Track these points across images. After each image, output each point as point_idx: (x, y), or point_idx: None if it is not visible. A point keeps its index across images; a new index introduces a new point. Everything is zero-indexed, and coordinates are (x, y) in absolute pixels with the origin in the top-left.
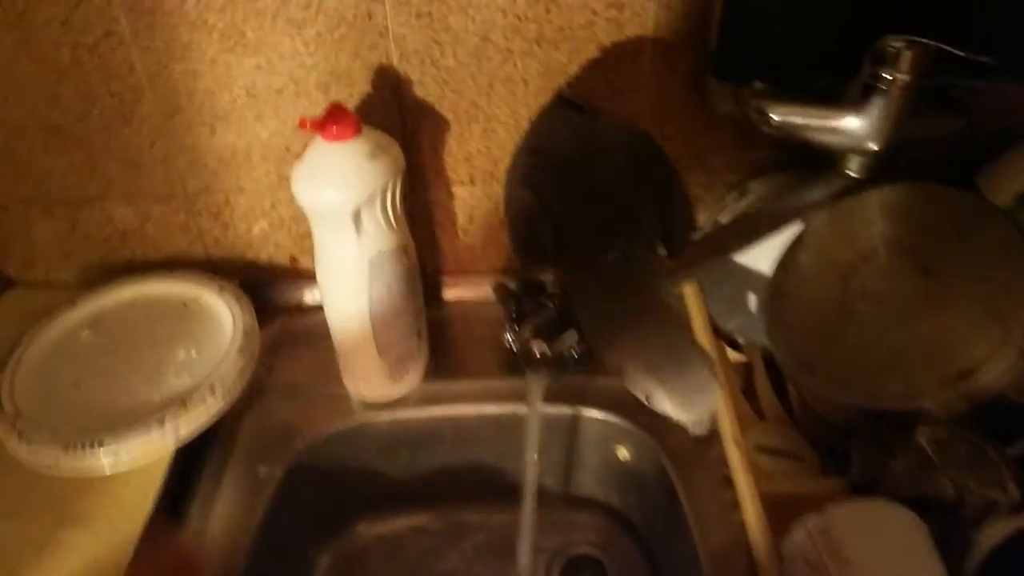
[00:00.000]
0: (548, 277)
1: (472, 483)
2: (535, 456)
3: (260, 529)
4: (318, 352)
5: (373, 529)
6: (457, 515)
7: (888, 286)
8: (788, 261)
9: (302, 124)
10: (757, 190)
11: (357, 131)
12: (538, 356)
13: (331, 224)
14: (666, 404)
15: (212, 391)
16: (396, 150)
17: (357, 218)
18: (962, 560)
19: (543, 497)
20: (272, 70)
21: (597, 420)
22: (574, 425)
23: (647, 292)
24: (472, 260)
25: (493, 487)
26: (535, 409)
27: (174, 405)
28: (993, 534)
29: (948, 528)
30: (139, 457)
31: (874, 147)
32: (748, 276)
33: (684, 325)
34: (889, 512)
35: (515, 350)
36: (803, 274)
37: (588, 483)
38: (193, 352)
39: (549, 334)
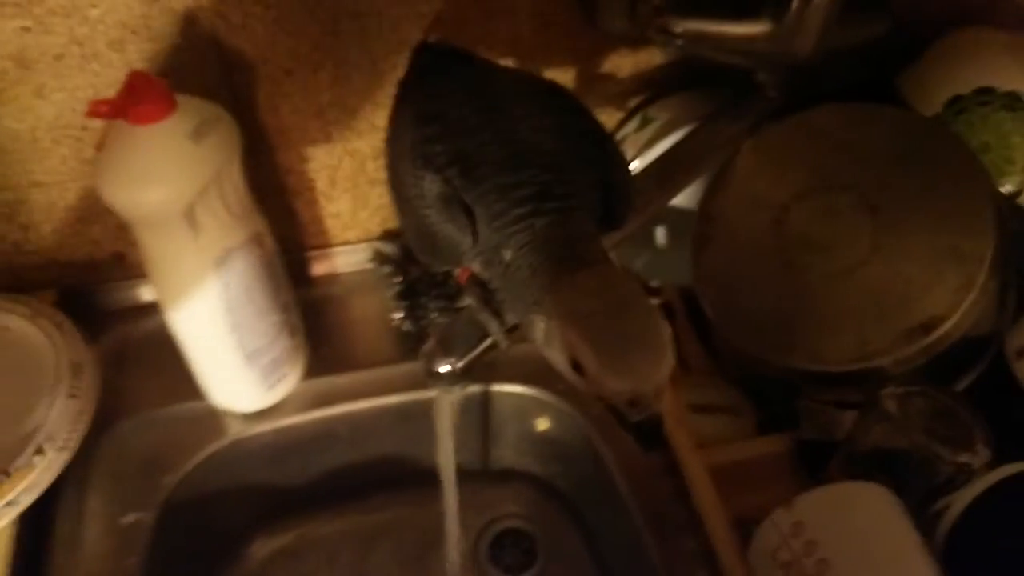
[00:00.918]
0: None
1: (377, 478)
2: (452, 474)
3: None
4: (171, 361)
5: (270, 546)
6: (365, 514)
7: (829, 229)
8: (711, 204)
9: (94, 111)
10: (660, 116)
11: (172, 106)
12: (446, 374)
13: (158, 227)
14: (594, 365)
15: (41, 450)
16: (227, 122)
17: (191, 215)
18: (933, 526)
19: (459, 475)
20: (45, 30)
21: (512, 394)
22: (486, 401)
23: (585, 255)
24: (341, 228)
25: (400, 478)
26: (446, 427)
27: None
28: (963, 497)
29: (916, 491)
30: None
31: (800, 56)
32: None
33: (628, 276)
34: (860, 493)
35: (405, 328)
36: (730, 219)
37: (507, 456)
38: (14, 401)
39: (457, 346)
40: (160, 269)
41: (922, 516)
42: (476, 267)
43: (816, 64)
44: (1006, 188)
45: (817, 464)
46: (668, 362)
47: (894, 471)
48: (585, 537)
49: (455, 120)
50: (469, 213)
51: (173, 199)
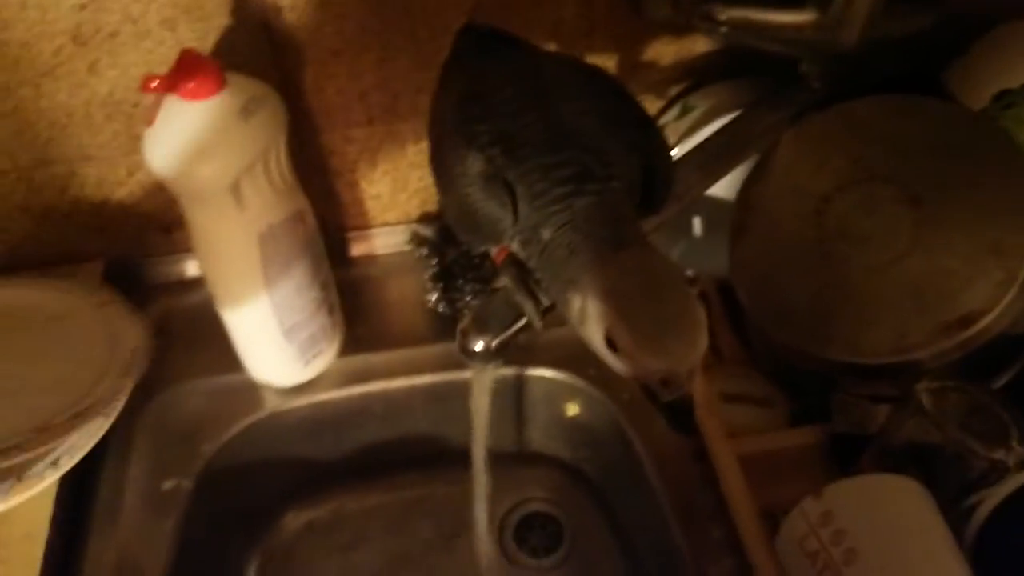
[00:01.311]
0: None
1: (409, 456)
2: (483, 455)
3: (174, 548)
4: (213, 335)
5: (303, 519)
6: (396, 491)
7: (870, 221)
8: (750, 194)
9: (146, 86)
10: (701, 104)
11: (221, 83)
12: (480, 351)
13: (205, 202)
14: (629, 343)
15: (84, 415)
16: (275, 100)
17: (237, 191)
18: (964, 522)
19: (489, 457)
20: (100, 8)
21: (543, 378)
22: (518, 384)
23: (624, 235)
24: (380, 210)
25: (432, 457)
26: (480, 406)
27: (47, 434)
28: (996, 494)
29: (948, 487)
30: (17, 497)
31: (845, 46)
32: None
33: (666, 258)
34: (891, 485)
35: (441, 310)
36: (769, 209)
37: (536, 439)
38: (63, 369)
39: (492, 324)
40: (205, 242)
41: (953, 512)
42: (515, 246)
43: (861, 55)
44: None
45: (849, 458)
46: (702, 343)
47: (927, 466)
48: (611, 522)
49: (498, 101)
50: (511, 192)
51: (220, 174)
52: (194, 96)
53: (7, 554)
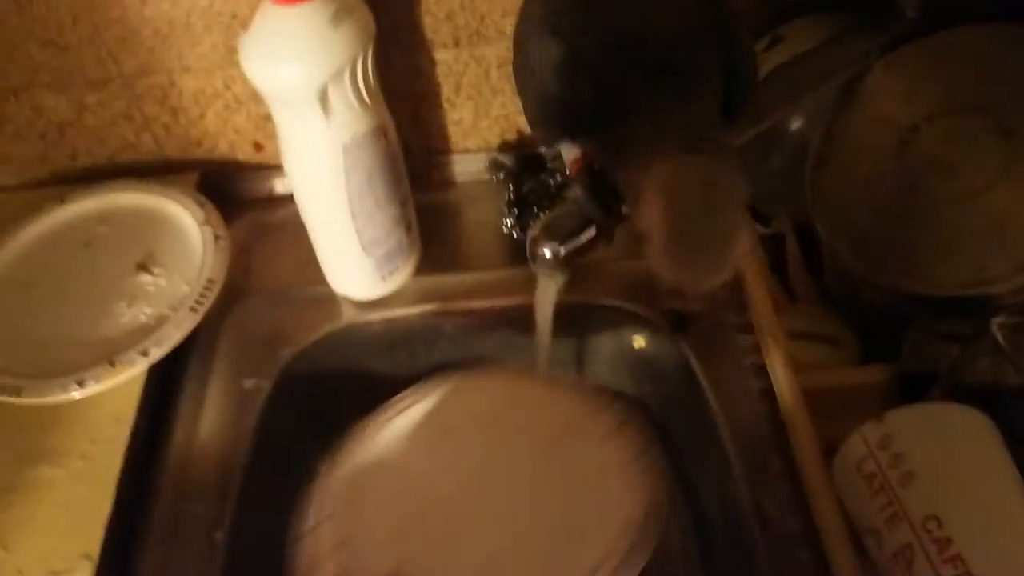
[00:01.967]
0: (549, 151)
1: None
2: (545, 365)
3: (252, 445)
4: (297, 249)
5: None
6: None
7: (959, 153)
8: (835, 124)
9: None
10: (792, 35)
11: None
12: (549, 258)
13: (293, 107)
14: (658, 247)
15: (175, 308)
16: (364, 11)
17: (324, 98)
18: None
19: None
20: None
21: (611, 307)
22: (585, 314)
23: (698, 140)
24: (461, 136)
25: None
26: (546, 315)
27: (140, 325)
28: None
29: (1019, 426)
30: (109, 381)
31: None
32: (769, 133)
33: (733, 177)
34: (956, 415)
35: (515, 236)
36: (854, 139)
37: (600, 372)
38: (158, 269)
39: (562, 231)
40: (292, 148)
41: (1017, 448)
42: (590, 143)
43: None
44: None
45: (918, 397)
46: (725, 274)
47: (998, 403)
48: (671, 455)
49: None
50: (592, 81)
51: (308, 79)
52: (287, 1)
53: (97, 434)
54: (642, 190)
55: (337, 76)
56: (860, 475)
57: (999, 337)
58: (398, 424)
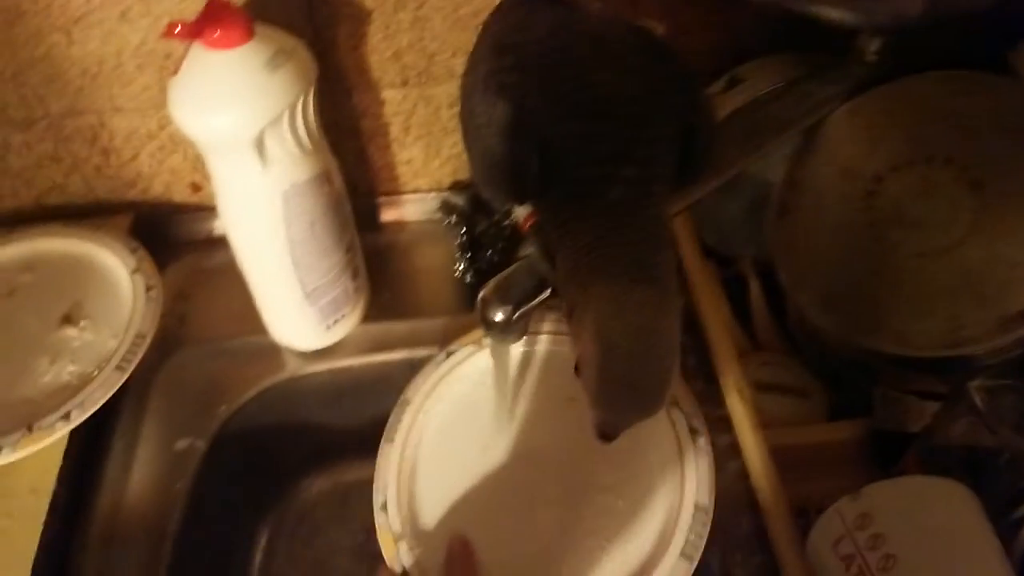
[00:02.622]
0: None
1: None
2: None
3: (184, 511)
4: (237, 294)
5: (318, 487)
6: None
7: (926, 205)
8: (796, 173)
9: (169, 31)
10: (751, 77)
11: (249, 33)
12: (500, 321)
13: (227, 155)
14: (589, 389)
15: (106, 365)
16: (303, 54)
17: (260, 146)
18: (1014, 533)
19: None
20: None
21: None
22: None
23: (649, 265)
24: (412, 176)
25: None
26: (502, 377)
27: (63, 384)
28: None
29: (999, 494)
30: (26, 449)
31: (907, 17)
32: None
33: (672, 309)
34: (937, 490)
35: (468, 279)
36: (816, 189)
37: None
38: (84, 322)
39: (514, 293)
40: (228, 198)
41: (1003, 522)
42: (537, 210)
43: (922, 29)
44: None
45: (890, 457)
46: (654, 413)
47: (976, 470)
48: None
49: (536, 54)
50: (540, 149)
51: (243, 126)
52: (220, 45)
53: (11, 507)
54: (579, 315)
55: (275, 123)
56: (837, 555)
57: (977, 400)
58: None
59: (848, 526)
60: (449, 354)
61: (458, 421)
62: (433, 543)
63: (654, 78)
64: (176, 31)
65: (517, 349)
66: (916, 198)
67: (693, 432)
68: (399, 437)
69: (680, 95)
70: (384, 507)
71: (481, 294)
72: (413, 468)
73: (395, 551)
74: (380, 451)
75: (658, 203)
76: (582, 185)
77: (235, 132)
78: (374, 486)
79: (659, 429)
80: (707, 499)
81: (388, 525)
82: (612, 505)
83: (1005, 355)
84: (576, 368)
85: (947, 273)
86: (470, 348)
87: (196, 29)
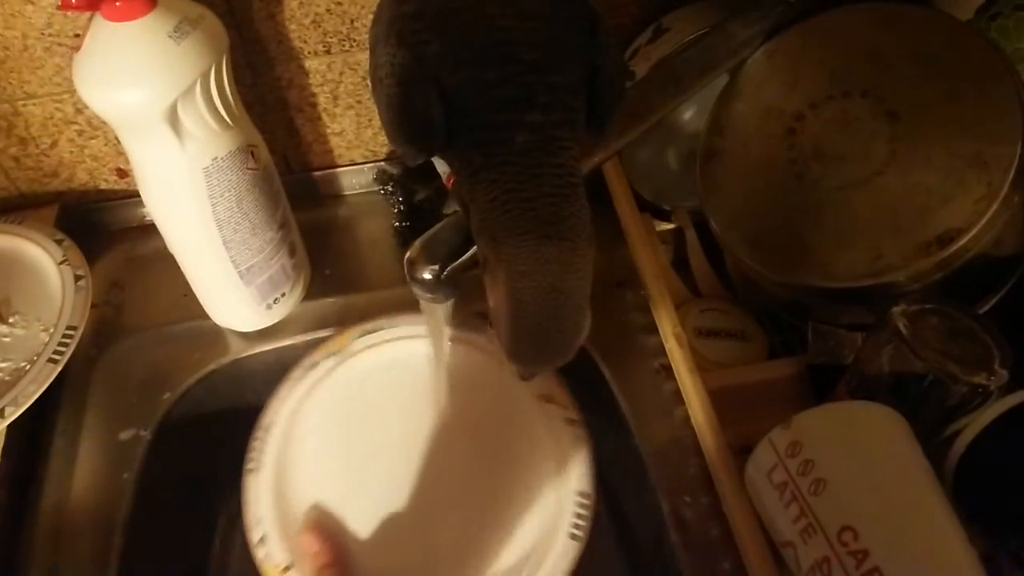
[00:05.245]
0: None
1: None
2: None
3: (132, 501)
4: (174, 280)
5: None
6: None
7: (845, 138)
8: (721, 116)
9: (65, 4)
10: (677, 25)
11: (151, 3)
12: (429, 280)
13: (141, 132)
14: (504, 340)
15: (38, 359)
16: (212, 21)
17: (174, 120)
18: (945, 451)
19: None
20: None
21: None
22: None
23: (558, 219)
24: (345, 148)
25: None
26: (438, 340)
27: None
28: (979, 421)
29: (928, 415)
30: None
31: None
32: (667, 129)
33: (582, 263)
34: (865, 414)
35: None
36: (741, 131)
37: None
38: (14, 317)
39: (440, 251)
40: (148, 179)
41: (933, 441)
42: (448, 162)
43: None
44: None
45: (827, 389)
46: (565, 362)
47: (905, 394)
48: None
49: (436, 1)
50: (443, 97)
51: (153, 100)
52: (121, 16)
53: None
54: (491, 270)
55: (187, 95)
56: (771, 485)
57: (900, 325)
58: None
59: (780, 455)
60: (312, 366)
61: (333, 435)
62: None
63: (557, 22)
64: (72, 1)
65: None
66: (835, 133)
67: (570, 423)
68: (267, 464)
69: (583, 37)
70: (263, 540)
71: (408, 255)
72: (289, 492)
73: None
74: (245, 483)
75: (566, 151)
76: (486, 132)
77: (145, 106)
78: (246, 521)
79: (537, 425)
80: (588, 485)
81: (271, 558)
82: (499, 500)
83: (926, 280)
84: (490, 321)
85: (867, 204)
86: (333, 359)
87: (94, 0)
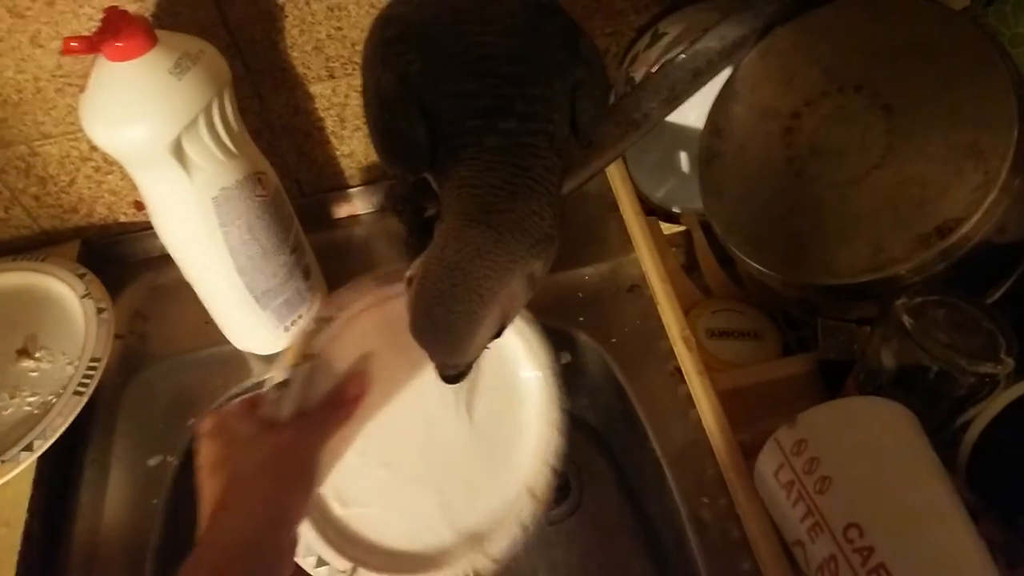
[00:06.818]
0: None
1: None
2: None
3: (162, 527)
4: (196, 307)
5: None
6: None
7: (842, 133)
8: (719, 117)
9: (68, 48)
10: (672, 30)
11: (151, 40)
12: None
13: (150, 168)
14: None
15: (64, 392)
16: (213, 55)
17: (180, 153)
18: (954, 444)
19: None
20: None
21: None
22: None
23: (497, 209)
24: (356, 169)
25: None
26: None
27: (25, 416)
28: (989, 409)
29: (939, 407)
30: None
31: None
32: (674, 133)
33: (498, 257)
34: (870, 409)
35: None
36: (739, 132)
37: None
38: (40, 352)
39: None
40: (159, 211)
41: (945, 432)
42: (433, 178)
43: None
44: None
45: (839, 385)
46: (456, 354)
47: (912, 387)
48: (615, 469)
49: (420, 22)
50: (425, 115)
51: (156, 136)
52: (122, 56)
53: None
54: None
55: (191, 128)
56: (779, 484)
57: (904, 319)
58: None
59: (786, 454)
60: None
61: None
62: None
63: (538, 37)
64: (73, 45)
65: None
66: (832, 129)
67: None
68: None
69: (565, 52)
70: (320, 563)
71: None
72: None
73: None
74: None
75: (536, 157)
76: (462, 138)
77: (150, 142)
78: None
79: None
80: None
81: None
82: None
83: (929, 271)
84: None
85: (866, 199)
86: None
87: (95, 42)
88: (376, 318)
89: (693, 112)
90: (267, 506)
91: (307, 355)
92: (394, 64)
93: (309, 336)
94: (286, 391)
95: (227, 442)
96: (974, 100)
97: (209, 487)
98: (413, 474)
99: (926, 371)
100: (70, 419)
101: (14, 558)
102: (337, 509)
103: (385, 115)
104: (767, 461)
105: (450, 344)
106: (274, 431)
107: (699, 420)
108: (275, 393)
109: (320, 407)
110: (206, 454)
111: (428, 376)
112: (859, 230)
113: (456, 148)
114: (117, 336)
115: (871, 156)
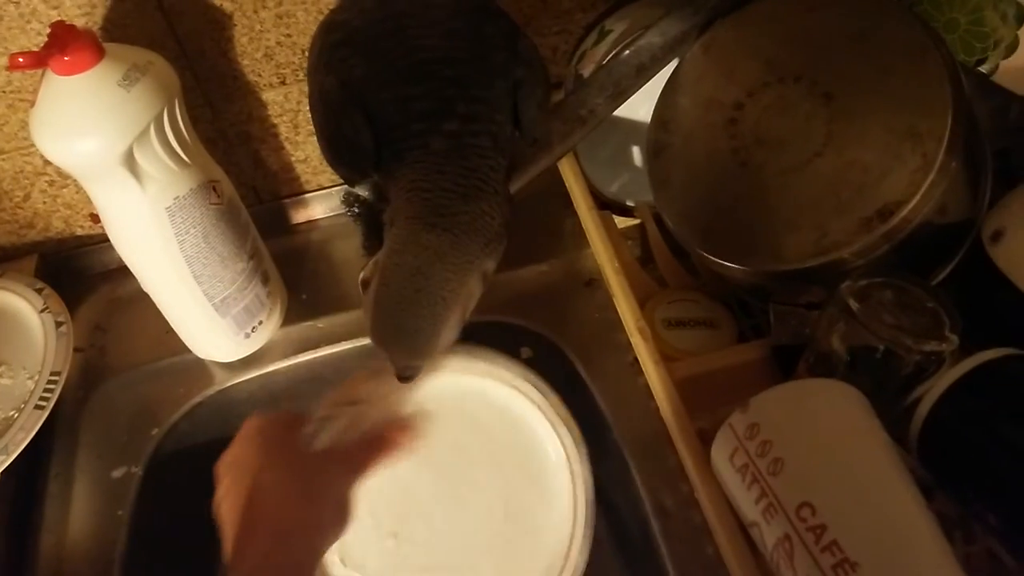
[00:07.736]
0: None
1: None
2: None
3: (128, 538)
4: (155, 318)
5: None
6: None
7: (784, 123)
8: (664, 110)
9: (14, 63)
10: (617, 28)
11: (99, 53)
12: None
13: (102, 180)
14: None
15: (25, 406)
16: (162, 66)
17: (131, 164)
18: (905, 423)
19: None
20: None
21: (493, 323)
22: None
23: (446, 212)
24: (311, 174)
25: None
26: None
27: None
28: (937, 387)
29: (885, 388)
30: None
31: None
32: (626, 128)
33: (460, 259)
34: (819, 391)
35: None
36: (684, 124)
37: None
38: (1, 367)
39: None
40: (114, 223)
41: (896, 412)
42: (380, 180)
43: None
44: (983, 67)
45: (792, 369)
46: (420, 357)
47: (861, 367)
48: None
49: (363, 27)
50: (368, 120)
51: (108, 147)
52: (69, 70)
53: None
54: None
55: (142, 139)
56: (733, 468)
57: (849, 301)
58: None
59: (740, 438)
60: None
61: None
62: None
63: (479, 39)
64: (20, 61)
65: None
66: (774, 118)
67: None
68: None
69: (505, 53)
70: None
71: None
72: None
73: None
74: None
75: (482, 158)
76: (406, 141)
77: (101, 154)
78: None
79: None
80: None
81: None
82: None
83: (873, 254)
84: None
85: (809, 185)
86: None
87: (42, 57)
88: None
89: (643, 107)
90: (298, 529)
91: (354, 400)
92: (338, 69)
93: (361, 380)
94: (326, 425)
95: (263, 444)
96: (911, 86)
97: (233, 489)
98: (417, 556)
99: (873, 351)
100: (32, 433)
101: None
102: (338, 569)
103: (330, 119)
104: (722, 446)
105: (418, 348)
106: (310, 455)
107: (658, 409)
108: (315, 425)
109: (358, 443)
110: (237, 453)
111: (465, 457)
112: (804, 216)
113: (401, 151)
114: (77, 349)
115: (813, 144)
